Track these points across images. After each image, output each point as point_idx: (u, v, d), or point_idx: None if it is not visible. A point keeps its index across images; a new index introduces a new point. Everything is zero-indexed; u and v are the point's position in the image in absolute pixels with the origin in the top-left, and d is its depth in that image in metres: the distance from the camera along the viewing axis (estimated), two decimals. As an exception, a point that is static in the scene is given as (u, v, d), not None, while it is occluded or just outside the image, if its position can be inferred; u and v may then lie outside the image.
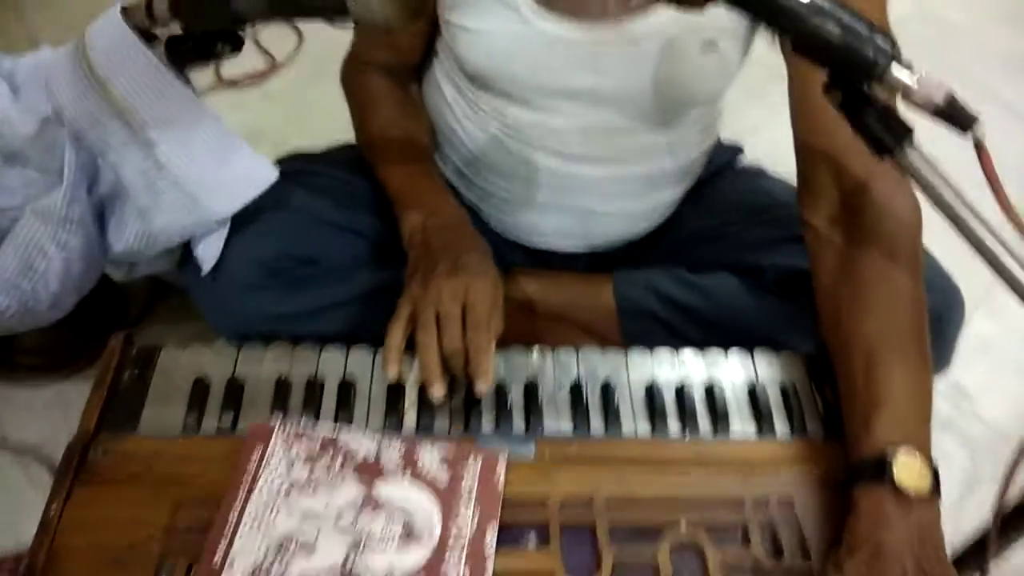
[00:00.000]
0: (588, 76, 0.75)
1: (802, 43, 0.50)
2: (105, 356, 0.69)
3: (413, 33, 0.85)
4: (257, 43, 1.55)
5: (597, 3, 0.72)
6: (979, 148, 0.45)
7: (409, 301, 0.70)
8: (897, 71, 0.48)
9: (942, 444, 1.00)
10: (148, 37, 0.63)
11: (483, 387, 0.66)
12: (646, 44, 0.73)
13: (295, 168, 0.81)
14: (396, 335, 0.68)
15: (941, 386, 1.09)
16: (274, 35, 1.56)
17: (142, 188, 0.67)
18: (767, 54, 0.77)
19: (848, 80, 0.50)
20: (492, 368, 0.67)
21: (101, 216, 0.72)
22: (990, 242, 0.52)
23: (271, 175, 0.72)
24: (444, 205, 0.79)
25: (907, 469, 0.59)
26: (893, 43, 0.50)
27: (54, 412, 1.01)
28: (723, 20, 0.71)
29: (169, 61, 0.54)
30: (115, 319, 1.08)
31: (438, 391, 0.66)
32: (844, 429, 0.66)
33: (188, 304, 1.01)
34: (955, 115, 0.47)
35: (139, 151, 0.65)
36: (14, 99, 0.67)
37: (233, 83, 1.50)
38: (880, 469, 0.59)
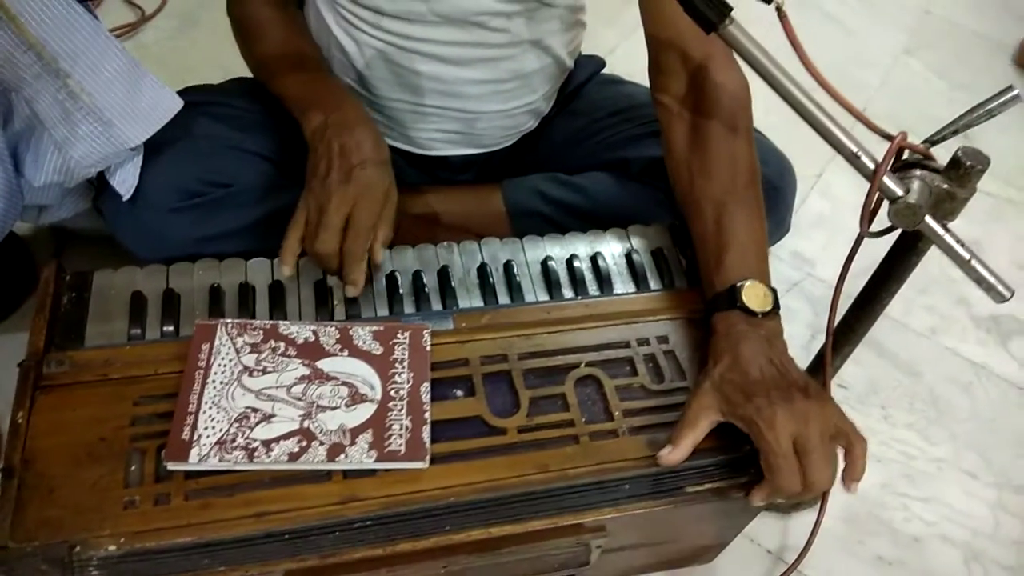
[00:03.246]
0: None
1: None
2: (41, 285, 0.72)
3: None
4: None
5: None
6: (780, 13, 0.57)
7: (303, 206, 0.75)
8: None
9: (789, 302, 1.16)
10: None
11: (350, 292, 0.74)
12: None
13: (194, 99, 0.84)
14: (292, 239, 0.74)
15: (786, 255, 1.27)
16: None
17: (58, 119, 0.70)
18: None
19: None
20: (362, 276, 0.73)
21: (16, 155, 0.74)
22: (803, 100, 0.64)
23: (178, 103, 0.76)
24: (344, 103, 0.80)
25: (752, 294, 0.72)
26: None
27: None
28: None
29: (77, -8, 0.58)
30: (23, 276, 1.08)
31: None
32: (700, 272, 0.79)
33: (95, 254, 1.04)
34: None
35: (52, 83, 0.68)
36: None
37: (100, 38, 1.47)
38: (731, 298, 0.72)
